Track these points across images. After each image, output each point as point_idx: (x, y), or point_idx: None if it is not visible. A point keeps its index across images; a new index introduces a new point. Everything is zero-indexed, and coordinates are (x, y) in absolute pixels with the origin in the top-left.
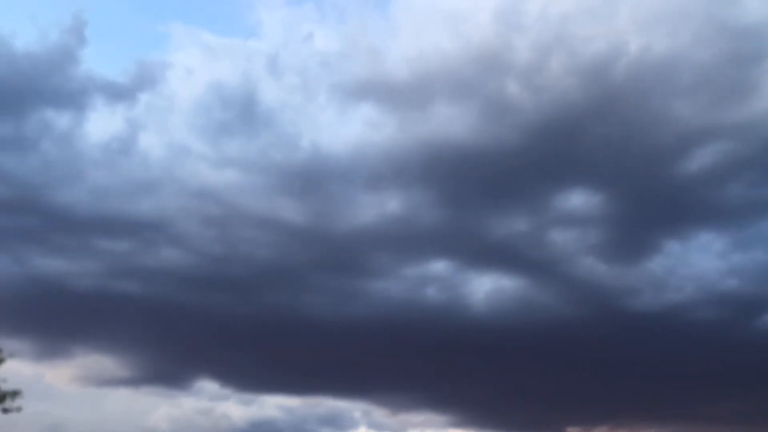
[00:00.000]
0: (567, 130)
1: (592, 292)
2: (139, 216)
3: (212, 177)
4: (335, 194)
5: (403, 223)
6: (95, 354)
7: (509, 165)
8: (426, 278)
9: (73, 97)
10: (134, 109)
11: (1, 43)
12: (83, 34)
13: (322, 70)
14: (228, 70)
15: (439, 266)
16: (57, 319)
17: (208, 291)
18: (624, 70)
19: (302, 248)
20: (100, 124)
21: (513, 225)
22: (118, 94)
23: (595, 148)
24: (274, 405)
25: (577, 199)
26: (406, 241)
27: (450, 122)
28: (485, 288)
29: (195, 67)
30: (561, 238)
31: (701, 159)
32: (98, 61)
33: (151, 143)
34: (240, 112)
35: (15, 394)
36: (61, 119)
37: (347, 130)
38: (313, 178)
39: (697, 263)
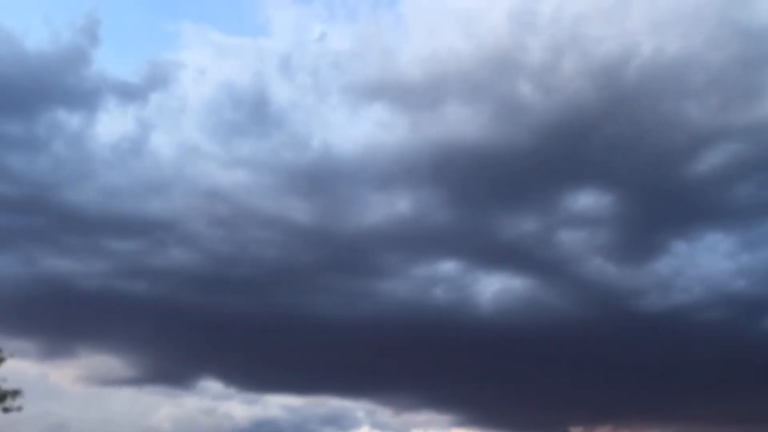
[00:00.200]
0: (577, 131)
1: (599, 293)
2: (148, 216)
3: (222, 177)
4: (344, 194)
5: (412, 223)
6: (100, 354)
7: (519, 165)
8: (434, 278)
9: (85, 98)
10: (146, 109)
11: (12, 43)
12: (96, 34)
13: (334, 70)
14: (239, 69)
15: (447, 266)
16: (63, 318)
17: (214, 291)
18: (636, 72)
19: (310, 248)
20: (111, 124)
21: (522, 225)
22: (130, 94)
23: (605, 148)
24: (277, 405)
25: (587, 200)
26: (415, 242)
27: (461, 123)
28: (493, 288)
29: (206, 66)
30: (569, 238)
31: (711, 160)
32: (108, 61)
33: (161, 143)
34: (251, 112)
35: (15, 393)
36: (72, 119)
37: (358, 131)
38: (323, 179)
39: (704, 264)
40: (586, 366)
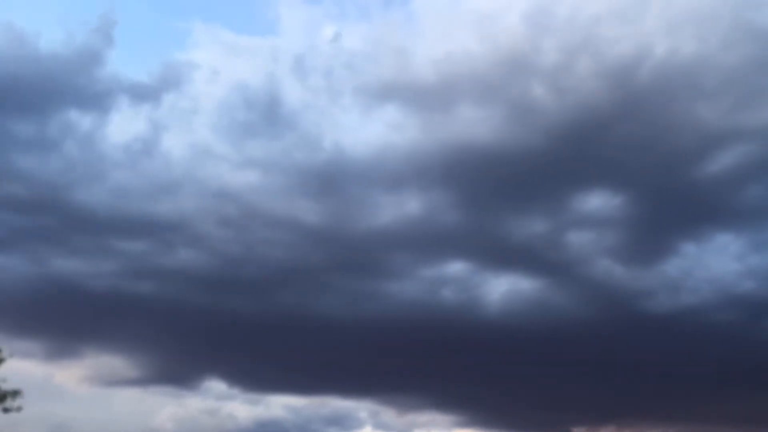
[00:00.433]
0: (589, 132)
1: (607, 294)
2: (158, 217)
3: (233, 178)
4: (355, 195)
5: (422, 224)
6: (105, 354)
7: (530, 167)
8: (442, 279)
9: (98, 99)
10: (158, 110)
11: (26, 44)
12: (111, 35)
13: (347, 71)
14: (251, 69)
15: (455, 267)
16: (69, 319)
17: (221, 291)
18: (649, 73)
19: (319, 249)
20: (124, 125)
21: (531, 227)
22: (143, 95)
23: (617, 149)
24: (280, 405)
25: (597, 201)
26: (424, 242)
27: (473, 124)
28: (501, 289)
29: (218, 67)
30: (578, 239)
31: (721, 161)
32: (120, 61)
33: (173, 144)
34: (263, 112)
35: (15, 393)
36: (84, 120)
37: (370, 132)
38: (334, 179)
39: (713, 265)
40: (589, 367)
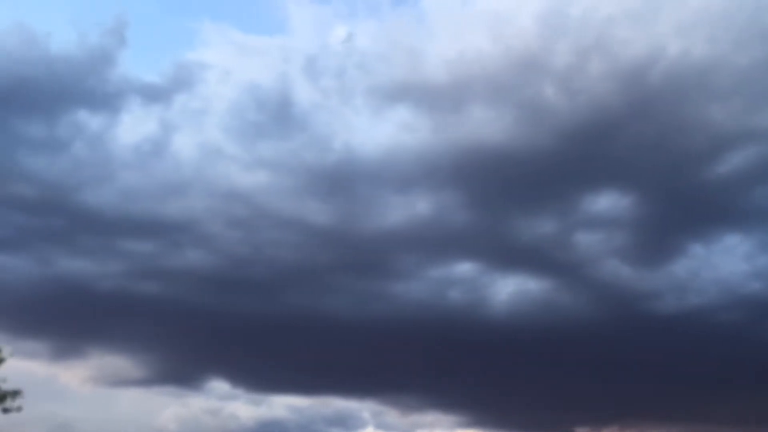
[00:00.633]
0: (600, 133)
1: (614, 295)
2: (166, 217)
3: (242, 178)
4: (364, 196)
5: (430, 224)
6: (110, 354)
7: (540, 168)
8: (450, 280)
9: (109, 99)
10: (169, 110)
11: (36, 45)
12: (124, 36)
13: (359, 71)
14: (261, 69)
15: (463, 268)
16: (75, 319)
17: (227, 292)
18: (661, 74)
19: (327, 249)
20: (134, 126)
21: (540, 227)
22: (154, 95)
23: (627, 150)
24: (282, 405)
25: (606, 202)
26: (432, 243)
27: (484, 125)
28: (508, 290)
29: (229, 67)
30: (586, 240)
31: (732, 162)
32: (130, 61)
33: (183, 145)
34: (274, 113)
35: (15, 393)
36: (94, 121)
37: (381, 132)
38: (343, 180)
39: (720, 266)
40: (593, 367)
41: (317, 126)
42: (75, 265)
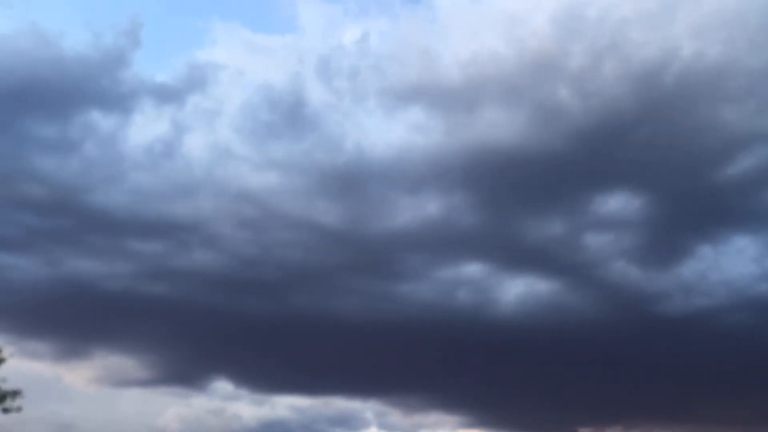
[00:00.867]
0: (611, 135)
1: (621, 296)
2: (175, 218)
3: (252, 179)
4: (374, 197)
5: (440, 225)
6: (115, 355)
7: (551, 169)
8: (458, 281)
9: (122, 100)
10: (182, 111)
11: (49, 45)
12: (139, 37)
13: (371, 72)
14: (273, 69)
15: (472, 269)
16: (82, 320)
17: (235, 293)
18: (675, 76)
19: (336, 250)
20: (145, 127)
21: (550, 229)
22: (167, 96)
23: (638, 152)
24: (285, 405)
25: (616, 203)
26: (441, 244)
27: (496, 126)
28: (516, 290)
29: (242, 67)
30: (595, 241)
31: (742, 164)
32: (140, 61)
33: (194, 145)
34: (286, 113)
35: (15, 393)
36: (106, 122)
37: (392, 133)
38: (354, 181)
39: (729, 268)
40: (598, 368)
41: (329, 127)
42: (83, 265)
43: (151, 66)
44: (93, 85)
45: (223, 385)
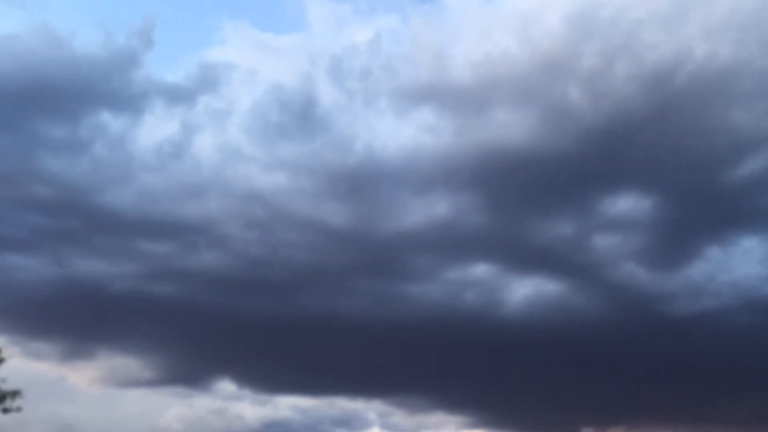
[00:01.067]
0: (622, 136)
1: (628, 297)
2: (184, 219)
3: (261, 180)
4: (383, 198)
5: (448, 226)
6: (120, 355)
7: (560, 170)
8: (466, 282)
9: (132, 101)
10: (192, 111)
11: (60, 46)
12: (151, 37)
13: (383, 72)
14: (284, 69)
15: (480, 270)
16: (87, 321)
17: (241, 293)
18: (686, 77)
19: (344, 251)
20: (156, 127)
21: (558, 230)
22: (178, 96)
23: (648, 153)
24: (288, 405)
25: (625, 204)
26: (450, 245)
27: (507, 127)
28: (524, 291)
29: (253, 67)
30: (603, 242)
31: (752, 165)
32: (152, 61)
33: (204, 146)
34: (297, 114)
35: (15, 393)
36: (116, 122)
37: (402, 134)
38: (363, 182)
39: (736, 269)
40: (603, 369)
41: (339, 127)
42: (91, 266)
43: (161, 65)
44: (104, 86)
45: (226, 386)
